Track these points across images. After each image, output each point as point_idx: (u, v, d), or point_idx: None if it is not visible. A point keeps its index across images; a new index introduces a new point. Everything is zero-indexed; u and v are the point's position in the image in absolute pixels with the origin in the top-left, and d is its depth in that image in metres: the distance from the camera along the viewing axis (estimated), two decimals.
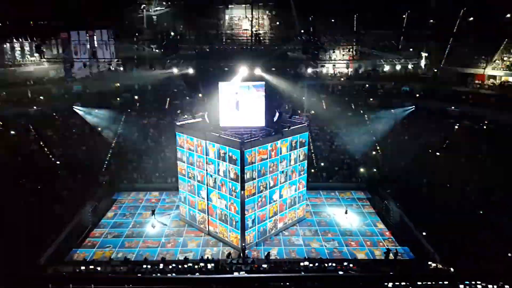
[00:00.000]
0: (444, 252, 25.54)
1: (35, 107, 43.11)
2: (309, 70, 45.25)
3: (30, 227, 27.02)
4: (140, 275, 23.63)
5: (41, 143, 39.05)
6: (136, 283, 22.70)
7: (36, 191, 32.27)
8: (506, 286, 21.82)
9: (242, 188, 26.06)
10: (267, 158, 27.29)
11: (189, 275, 23.60)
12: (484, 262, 23.85)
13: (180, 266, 24.36)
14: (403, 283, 22.82)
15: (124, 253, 26.90)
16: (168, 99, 48.37)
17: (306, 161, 31.17)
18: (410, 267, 25.48)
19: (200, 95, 46.46)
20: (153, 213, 32.09)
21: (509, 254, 24.65)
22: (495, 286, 21.93)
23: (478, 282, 22.48)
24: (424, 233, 27.99)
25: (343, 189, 37.38)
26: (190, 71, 47.16)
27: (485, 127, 39.35)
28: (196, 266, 24.46)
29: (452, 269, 24.15)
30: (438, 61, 49.06)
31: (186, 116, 31.04)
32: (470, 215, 28.53)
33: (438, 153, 37.62)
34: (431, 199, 31.38)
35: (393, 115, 44.22)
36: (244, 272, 23.74)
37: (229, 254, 26.53)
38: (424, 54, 49.91)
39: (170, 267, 24.21)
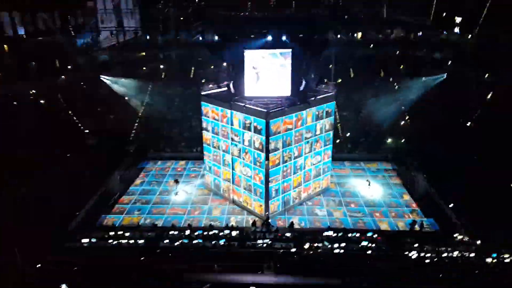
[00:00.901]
0: (471, 224, 25.14)
1: (63, 77, 43.61)
2: (337, 36, 43.97)
3: (61, 194, 28.08)
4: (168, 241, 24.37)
5: (69, 113, 39.81)
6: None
7: (66, 159, 33.18)
8: None
9: (267, 158, 26.06)
10: (292, 128, 27.04)
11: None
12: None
13: (205, 233, 24.97)
14: (428, 255, 22.78)
15: (152, 219, 27.69)
16: (193, 68, 48.17)
17: (332, 131, 30.73)
18: (436, 238, 25.20)
19: (225, 63, 46.07)
20: (176, 182, 32.65)
21: None
22: None
23: (506, 256, 22.18)
24: (450, 205, 27.54)
25: (369, 160, 36.86)
26: (216, 38, 46.77)
27: None
28: (221, 233, 25.01)
29: (478, 241, 23.80)
30: (472, 26, 46.50)
31: (211, 85, 30.93)
32: (498, 187, 27.77)
33: (469, 124, 36.42)
34: (459, 171, 30.61)
35: (424, 83, 42.76)
36: (268, 240, 24.13)
37: (254, 222, 26.91)
38: (458, 19, 47.43)
39: (196, 233, 24.86)
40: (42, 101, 40.05)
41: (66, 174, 30.78)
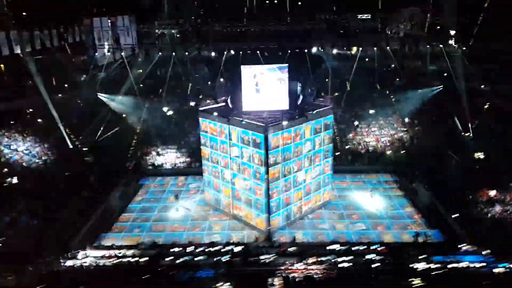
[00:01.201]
0: (476, 234, 24.89)
1: (60, 95, 43.28)
2: (334, 51, 44.28)
3: (60, 213, 27.70)
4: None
5: (67, 130, 39.38)
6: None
7: (65, 178, 32.79)
8: None
9: (267, 172, 25.85)
10: (291, 142, 26.92)
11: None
12: None
13: (207, 250, 24.56)
14: (433, 266, 22.45)
15: (152, 237, 27.21)
16: (190, 84, 48.22)
17: (331, 144, 30.62)
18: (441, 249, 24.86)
19: (222, 79, 46.24)
20: (176, 197, 32.34)
21: None
22: None
23: None
24: (454, 216, 27.31)
25: (370, 172, 36.65)
26: (212, 54, 46.99)
27: None
28: (223, 249, 24.60)
29: (484, 252, 23.51)
30: (467, 37, 46.94)
31: (209, 101, 30.93)
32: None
33: (466, 134, 36.46)
34: (459, 180, 30.54)
35: (420, 95, 42.96)
36: (271, 256, 23.74)
37: (256, 238, 26.52)
38: (452, 32, 47.94)
39: (198, 250, 24.43)
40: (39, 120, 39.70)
41: (64, 191, 30.47)
